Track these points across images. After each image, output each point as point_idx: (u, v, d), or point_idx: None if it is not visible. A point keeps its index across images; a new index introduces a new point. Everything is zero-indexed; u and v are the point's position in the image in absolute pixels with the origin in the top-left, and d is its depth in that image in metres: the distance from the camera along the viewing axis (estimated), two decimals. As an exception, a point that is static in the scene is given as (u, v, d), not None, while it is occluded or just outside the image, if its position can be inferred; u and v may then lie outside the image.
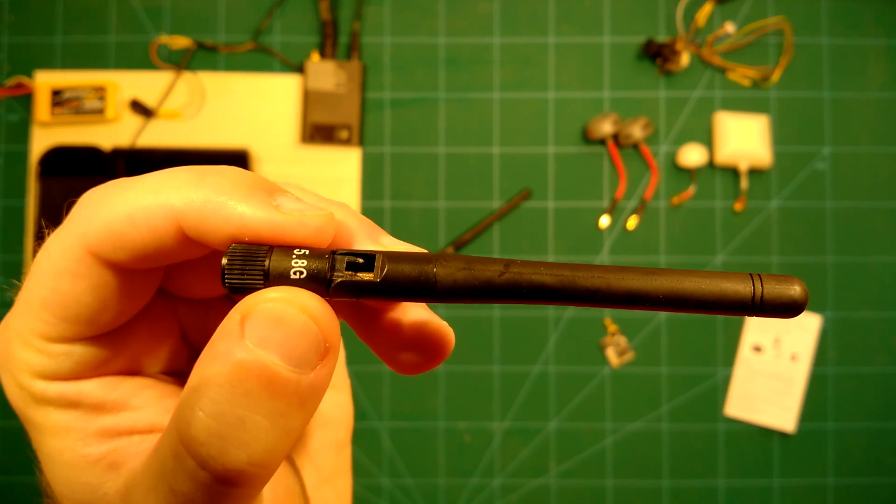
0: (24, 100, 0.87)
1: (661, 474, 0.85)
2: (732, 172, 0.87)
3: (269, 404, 0.17)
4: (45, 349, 0.20)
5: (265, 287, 0.18)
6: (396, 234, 0.87)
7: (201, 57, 0.88)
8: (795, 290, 0.18)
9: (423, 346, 0.21)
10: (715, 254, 0.87)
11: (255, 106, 0.87)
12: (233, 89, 0.87)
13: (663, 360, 0.86)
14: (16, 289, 0.20)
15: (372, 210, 0.87)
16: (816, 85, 0.88)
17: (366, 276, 0.19)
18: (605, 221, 0.87)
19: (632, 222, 0.87)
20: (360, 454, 0.85)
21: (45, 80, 0.86)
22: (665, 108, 0.88)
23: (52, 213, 0.82)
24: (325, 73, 0.86)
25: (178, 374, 0.24)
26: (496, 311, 0.86)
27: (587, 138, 0.87)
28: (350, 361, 0.87)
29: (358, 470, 0.85)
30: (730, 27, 0.87)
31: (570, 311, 0.87)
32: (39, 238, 0.20)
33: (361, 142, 0.87)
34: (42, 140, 0.85)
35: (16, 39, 0.87)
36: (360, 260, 0.19)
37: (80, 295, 0.19)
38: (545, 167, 0.87)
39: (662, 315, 0.86)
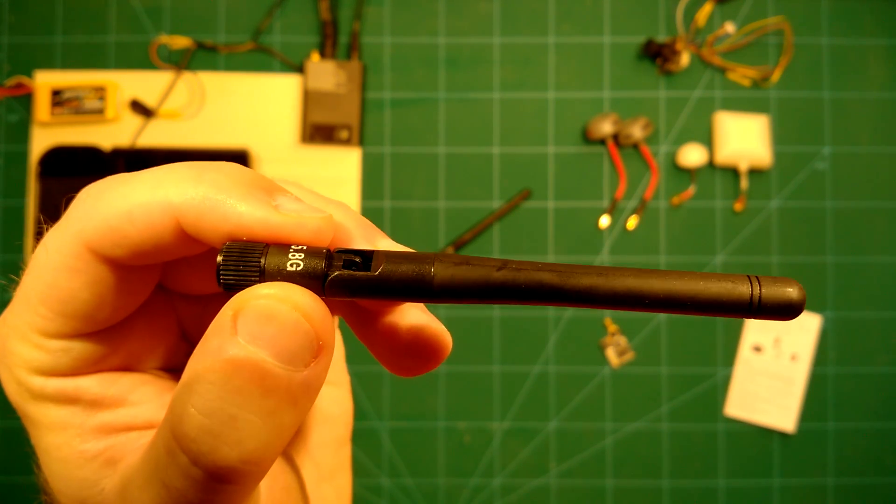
0: (24, 100, 0.87)
1: (661, 474, 0.85)
2: (732, 172, 0.87)
3: (261, 402, 0.17)
4: (43, 345, 0.19)
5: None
6: (396, 233, 0.87)
7: (201, 57, 0.88)
8: (793, 292, 0.18)
9: (420, 348, 0.21)
10: (715, 254, 0.87)
11: (255, 106, 0.87)
12: (233, 89, 0.87)
13: (663, 360, 0.86)
14: (14, 284, 0.20)
15: (372, 210, 0.87)
16: (816, 85, 0.88)
17: (362, 274, 0.19)
18: (605, 221, 0.87)
19: (632, 222, 0.87)
20: (360, 454, 0.85)
21: (45, 80, 0.86)
22: (665, 108, 0.88)
23: (52, 213, 0.82)
24: (325, 73, 0.86)
25: (176, 369, 0.24)
26: (496, 311, 0.86)
27: (587, 138, 0.87)
28: (350, 361, 0.87)
29: (358, 470, 0.85)
30: (730, 27, 0.87)
31: (570, 312, 0.87)
32: (39, 237, 0.20)
33: (361, 142, 0.87)
34: (42, 140, 0.85)
35: (16, 39, 0.87)
36: (358, 259, 0.19)
37: (78, 291, 0.19)
38: (545, 167, 0.87)
39: (662, 315, 0.86)
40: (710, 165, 0.87)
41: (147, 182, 0.19)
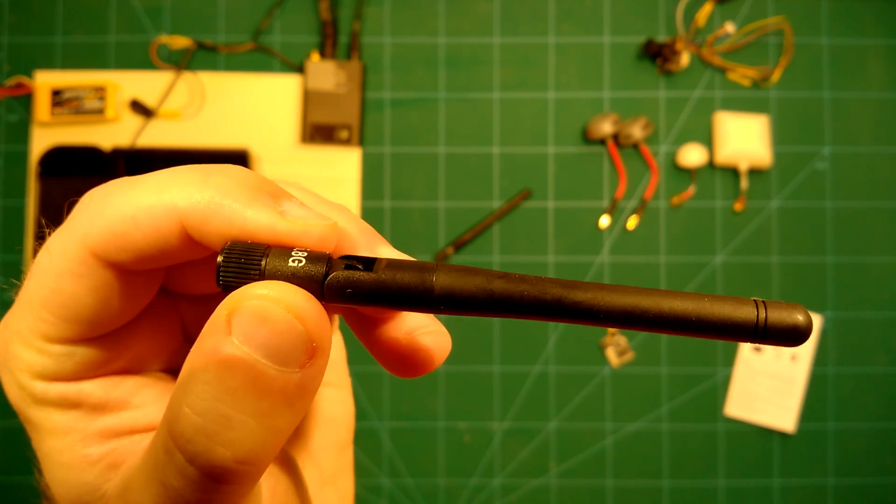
0: (24, 100, 0.87)
1: (661, 474, 0.85)
2: (732, 172, 0.87)
3: (255, 403, 0.17)
4: (46, 349, 0.19)
5: None
6: (396, 233, 0.87)
7: (201, 57, 0.87)
8: (800, 317, 0.18)
9: (420, 350, 0.21)
10: (715, 254, 0.87)
11: (255, 106, 0.87)
12: (233, 89, 0.87)
13: (663, 360, 0.86)
14: (16, 288, 0.20)
15: (372, 210, 0.87)
16: (816, 85, 0.88)
17: (362, 278, 0.18)
18: (605, 221, 0.87)
19: (632, 222, 0.87)
20: (360, 454, 0.85)
21: (45, 80, 0.86)
22: (665, 108, 0.88)
23: (52, 213, 0.82)
24: (325, 73, 0.86)
25: (179, 371, 0.24)
26: (496, 311, 0.86)
27: (587, 138, 0.87)
28: (350, 361, 0.87)
29: (358, 470, 0.85)
30: (730, 27, 0.86)
31: (570, 311, 0.87)
32: (39, 238, 0.20)
33: (361, 142, 0.87)
34: (42, 140, 0.85)
35: (16, 39, 0.87)
36: (359, 265, 0.19)
37: (82, 296, 0.19)
38: (545, 167, 0.87)
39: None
40: (710, 165, 0.87)
41: (152, 186, 0.19)
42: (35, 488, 0.22)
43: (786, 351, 0.86)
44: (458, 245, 0.86)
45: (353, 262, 0.19)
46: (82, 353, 0.20)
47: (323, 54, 0.87)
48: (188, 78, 0.87)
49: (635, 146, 0.87)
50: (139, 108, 0.86)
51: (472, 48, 0.88)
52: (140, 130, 0.86)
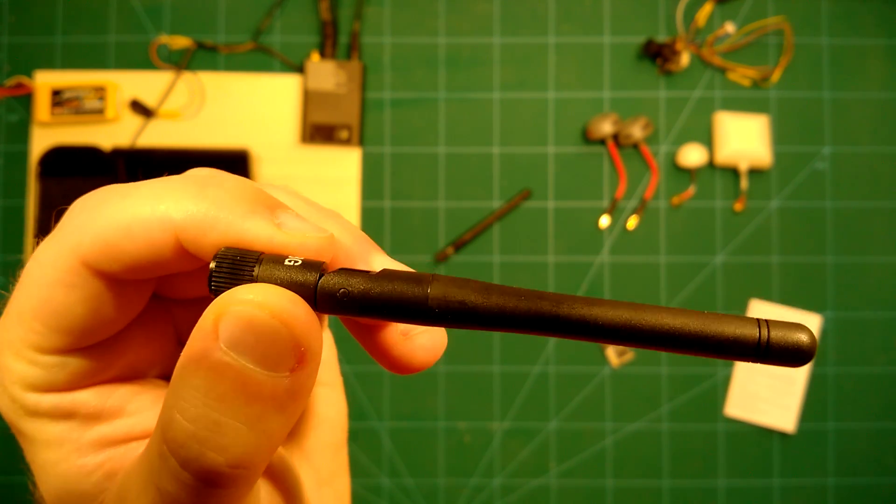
0: (24, 100, 0.87)
1: (661, 474, 0.85)
2: (732, 172, 0.87)
3: (245, 409, 0.17)
4: (37, 361, 0.19)
5: None
6: (396, 234, 0.87)
7: (201, 57, 0.87)
8: (804, 337, 0.17)
9: (415, 349, 0.21)
10: (715, 254, 0.87)
11: (255, 106, 0.87)
12: (233, 89, 0.87)
13: (663, 359, 0.86)
14: (4, 299, 0.20)
15: (372, 210, 0.87)
16: (816, 85, 0.88)
17: (355, 290, 0.18)
18: (605, 221, 0.87)
19: (632, 222, 0.87)
20: (360, 454, 0.85)
21: (45, 80, 0.86)
22: (665, 108, 0.88)
23: (52, 214, 0.82)
24: (325, 73, 0.86)
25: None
26: (496, 311, 0.86)
27: (587, 138, 0.87)
28: (350, 361, 0.87)
29: (358, 470, 0.85)
30: (730, 27, 0.86)
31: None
32: (39, 238, 0.20)
33: (361, 142, 0.87)
34: (42, 140, 0.85)
35: (16, 39, 0.87)
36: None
37: (73, 306, 0.19)
38: (545, 167, 0.87)
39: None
40: (710, 165, 0.87)
41: (146, 196, 0.18)
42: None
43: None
44: (458, 245, 0.86)
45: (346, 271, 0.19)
46: (75, 363, 0.20)
47: (323, 54, 0.87)
48: (188, 78, 0.87)
49: (635, 146, 0.87)
50: (139, 108, 0.86)
51: (472, 48, 0.88)
52: (140, 130, 0.86)
